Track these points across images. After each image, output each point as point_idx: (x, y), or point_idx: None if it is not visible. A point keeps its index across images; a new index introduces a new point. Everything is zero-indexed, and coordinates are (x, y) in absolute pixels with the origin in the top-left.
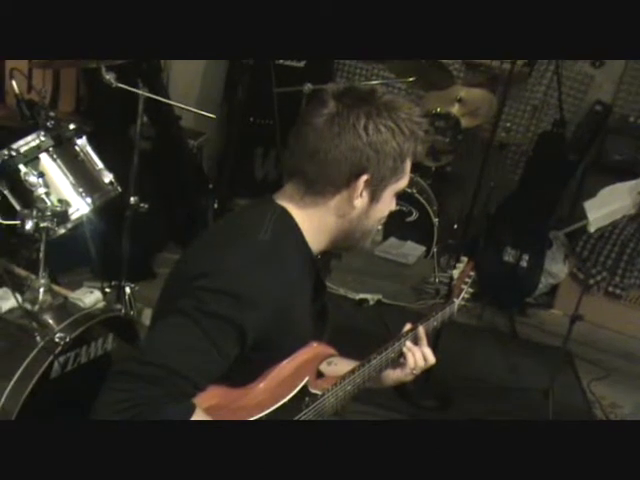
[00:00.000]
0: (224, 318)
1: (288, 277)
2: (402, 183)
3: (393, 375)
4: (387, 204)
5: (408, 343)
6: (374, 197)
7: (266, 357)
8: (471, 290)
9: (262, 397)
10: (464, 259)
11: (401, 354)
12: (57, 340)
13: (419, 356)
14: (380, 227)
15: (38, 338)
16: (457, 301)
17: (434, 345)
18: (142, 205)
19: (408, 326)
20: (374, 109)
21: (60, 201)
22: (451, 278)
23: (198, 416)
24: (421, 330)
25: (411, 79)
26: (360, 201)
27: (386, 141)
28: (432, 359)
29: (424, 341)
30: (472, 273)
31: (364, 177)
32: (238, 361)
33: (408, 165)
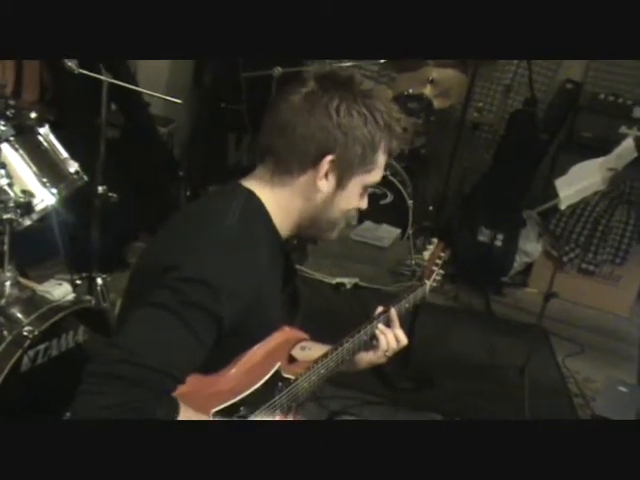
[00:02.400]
0: (200, 307)
1: (258, 261)
2: (372, 176)
3: (366, 358)
4: (354, 195)
5: (380, 325)
6: (340, 183)
7: (238, 343)
8: (442, 271)
9: (234, 383)
10: (434, 241)
11: (374, 337)
12: (26, 334)
13: (391, 338)
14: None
15: (6, 332)
16: (428, 282)
17: (411, 328)
18: (111, 195)
19: (380, 309)
20: (350, 94)
21: (24, 192)
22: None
23: (181, 412)
24: (393, 312)
25: (382, 60)
26: (325, 184)
27: (356, 126)
28: (404, 340)
29: (396, 323)
30: (443, 254)
31: (329, 157)
32: (210, 348)
33: (380, 158)
